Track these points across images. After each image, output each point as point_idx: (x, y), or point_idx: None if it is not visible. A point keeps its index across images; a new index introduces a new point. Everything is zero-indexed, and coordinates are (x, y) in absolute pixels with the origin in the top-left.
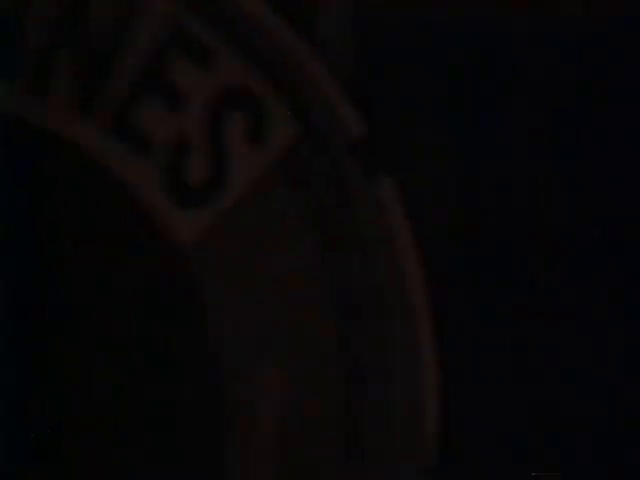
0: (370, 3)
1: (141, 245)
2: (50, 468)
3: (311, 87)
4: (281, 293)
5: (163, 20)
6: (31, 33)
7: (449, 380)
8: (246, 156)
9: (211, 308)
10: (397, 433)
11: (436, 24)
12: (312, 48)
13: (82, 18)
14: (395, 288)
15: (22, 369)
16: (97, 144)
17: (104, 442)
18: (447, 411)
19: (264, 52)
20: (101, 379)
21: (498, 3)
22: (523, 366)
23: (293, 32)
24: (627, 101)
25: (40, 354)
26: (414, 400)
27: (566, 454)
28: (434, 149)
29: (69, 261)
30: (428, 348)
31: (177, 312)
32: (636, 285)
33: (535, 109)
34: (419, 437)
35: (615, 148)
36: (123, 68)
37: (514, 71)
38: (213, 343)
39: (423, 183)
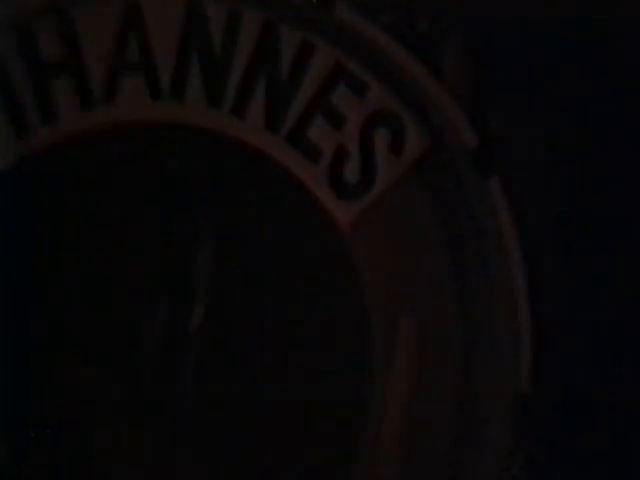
0: (481, 25)
1: (309, 228)
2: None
3: (436, 106)
4: (411, 275)
5: (328, 59)
6: (237, 63)
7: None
8: (388, 163)
9: (363, 287)
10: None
11: (546, 40)
12: (434, 71)
13: (274, 60)
14: (502, 276)
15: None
16: (282, 152)
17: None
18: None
19: (403, 84)
20: (264, 363)
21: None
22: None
23: (419, 61)
24: None
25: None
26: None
27: None
28: (545, 158)
29: (251, 245)
30: (526, 329)
31: (334, 280)
32: None
33: None
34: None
35: None
36: (301, 96)
37: (633, 75)
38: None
39: (533, 186)
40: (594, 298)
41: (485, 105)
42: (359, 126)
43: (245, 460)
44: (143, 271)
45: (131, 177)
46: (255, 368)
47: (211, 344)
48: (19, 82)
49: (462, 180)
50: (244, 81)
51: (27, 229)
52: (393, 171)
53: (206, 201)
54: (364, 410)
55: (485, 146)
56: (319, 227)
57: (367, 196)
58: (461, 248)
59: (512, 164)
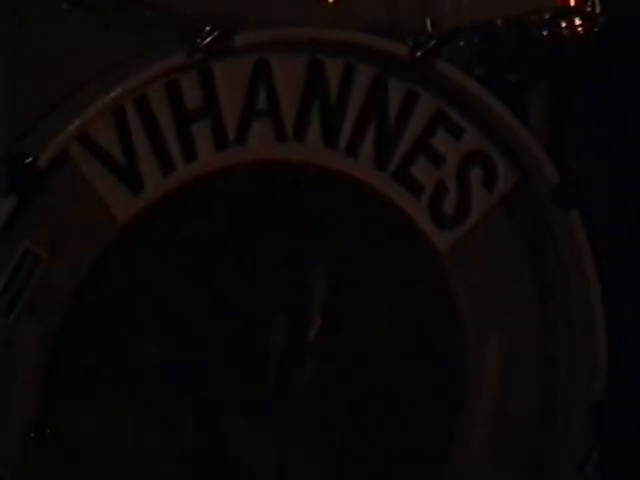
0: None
1: (412, 254)
2: None
3: (523, 147)
4: (501, 295)
5: (430, 107)
6: (351, 110)
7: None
8: (481, 197)
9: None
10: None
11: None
12: (521, 117)
13: (383, 107)
14: (581, 295)
15: None
16: (388, 188)
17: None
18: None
19: (495, 128)
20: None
21: None
22: None
23: (508, 108)
24: None
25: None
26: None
27: None
28: (617, 193)
29: (361, 268)
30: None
31: (433, 299)
32: None
33: None
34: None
35: None
36: (406, 139)
37: None
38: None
39: (607, 217)
40: None
41: (566, 146)
42: (456, 165)
43: (351, 454)
44: (270, 289)
45: (259, 208)
46: (363, 373)
47: (325, 352)
48: (165, 126)
49: (545, 212)
50: (357, 125)
51: (174, 251)
52: (485, 204)
53: (322, 229)
54: (458, 411)
55: (566, 182)
56: (421, 253)
57: (463, 226)
58: (544, 271)
59: (590, 198)
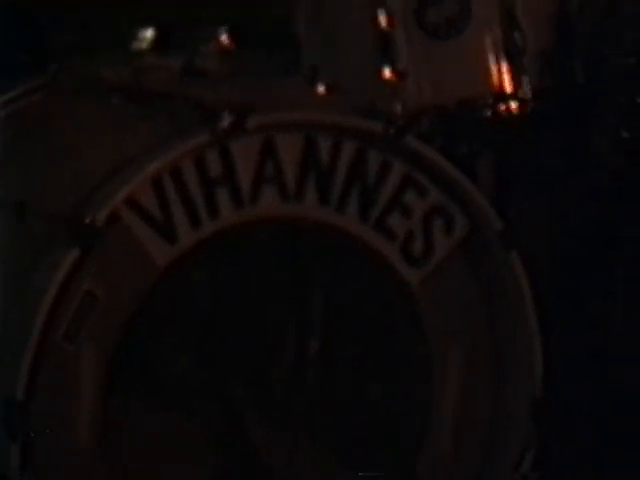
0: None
1: (387, 286)
2: None
3: (473, 202)
4: (460, 318)
5: (401, 172)
6: (339, 175)
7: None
8: (442, 241)
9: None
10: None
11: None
12: (471, 178)
13: (364, 173)
14: (520, 317)
15: None
16: (369, 235)
17: None
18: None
19: (452, 187)
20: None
21: None
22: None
23: (461, 171)
24: None
25: None
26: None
27: None
28: (550, 236)
29: (348, 298)
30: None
31: (406, 322)
32: None
33: None
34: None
35: None
36: (383, 197)
37: None
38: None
39: (542, 257)
40: (584, 325)
41: (507, 200)
42: (422, 217)
43: (344, 441)
44: (279, 315)
45: (270, 253)
46: (351, 377)
47: (324, 362)
48: (194, 191)
49: (493, 252)
50: (344, 188)
51: (204, 287)
52: (446, 247)
53: (318, 268)
54: (426, 410)
55: (508, 228)
56: (395, 286)
57: (428, 265)
58: (492, 298)
59: (527, 241)
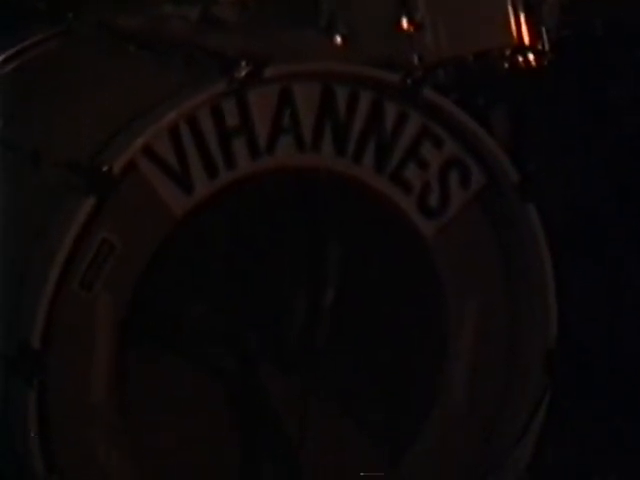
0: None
1: (403, 238)
2: None
3: (490, 154)
4: (476, 270)
5: (417, 123)
6: (356, 126)
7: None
8: (458, 194)
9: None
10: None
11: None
12: (488, 130)
13: (381, 124)
14: (536, 268)
15: None
16: (386, 187)
17: None
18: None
19: (468, 139)
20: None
21: None
22: None
23: (477, 123)
24: None
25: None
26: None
27: None
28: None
29: (365, 249)
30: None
31: (421, 274)
32: None
33: None
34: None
35: None
36: (399, 148)
37: None
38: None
39: (558, 209)
40: (599, 278)
41: (524, 152)
42: (438, 169)
43: (357, 394)
44: (296, 267)
45: (286, 204)
46: (366, 328)
47: (338, 314)
48: (211, 141)
49: (509, 205)
50: (360, 139)
51: (220, 237)
52: (462, 200)
53: (334, 220)
54: (440, 362)
55: (525, 181)
56: (411, 238)
57: (444, 217)
58: (509, 251)
59: (544, 194)
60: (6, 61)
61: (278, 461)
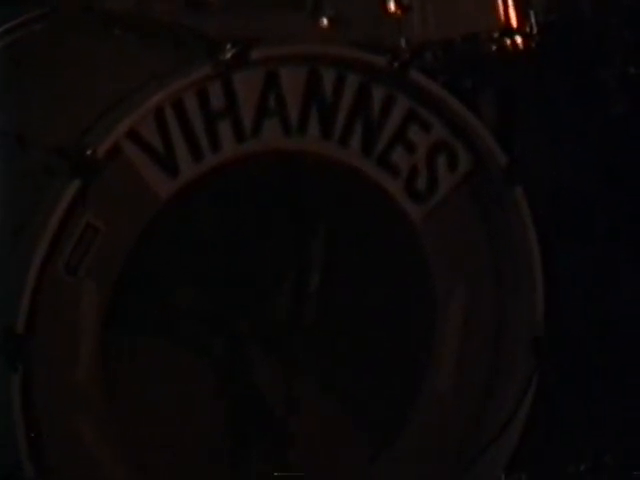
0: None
1: (392, 222)
2: None
3: (478, 137)
4: (463, 254)
5: (405, 106)
6: (343, 109)
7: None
8: (446, 177)
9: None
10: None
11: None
12: (476, 113)
13: (368, 107)
14: (524, 252)
15: None
16: (373, 170)
17: None
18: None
19: (455, 122)
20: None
21: None
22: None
23: (465, 106)
24: None
25: None
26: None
27: None
28: (552, 173)
29: (350, 234)
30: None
31: (409, 258)
32: None
33: None
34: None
35: None
36: (387, 131)
37: None
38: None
39: (545, 193)
40: (587, 263)
41: (511, 135)
42: (426, 152)
43: (345, 377)
44: (282, 250)
45: (271, 187)
46: (353, 312)
47: (325, 297)
48: (196, 123)
49: (497, 188)
50: (347, 122)
51: (204, 221)
52: (450, 183)
53: (320, 204)
54: (428, 347)
55: (512, 164)
56: (399, 222)
57: (432, 200)
58: (496, 234)
59: (532, 177)
60: None
61: (265, 443)
